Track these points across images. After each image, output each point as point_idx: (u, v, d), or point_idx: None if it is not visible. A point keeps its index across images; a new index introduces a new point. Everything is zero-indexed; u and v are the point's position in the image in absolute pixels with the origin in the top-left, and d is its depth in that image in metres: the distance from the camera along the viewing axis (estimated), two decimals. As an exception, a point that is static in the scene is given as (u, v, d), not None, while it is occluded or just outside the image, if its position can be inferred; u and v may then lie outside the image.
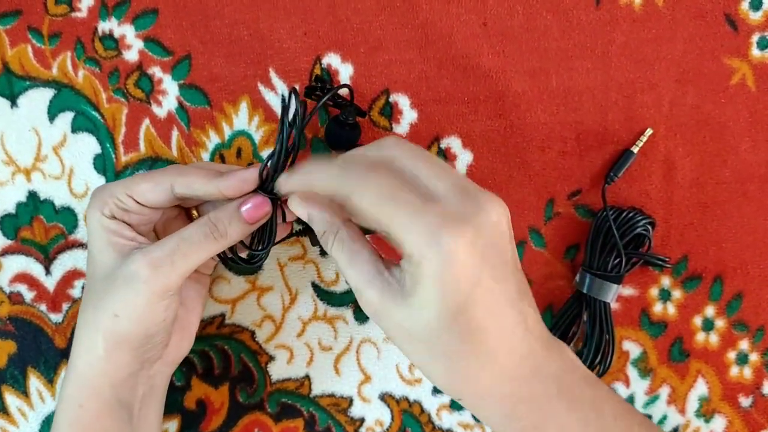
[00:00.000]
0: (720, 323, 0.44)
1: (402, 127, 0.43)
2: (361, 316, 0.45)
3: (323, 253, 0.44)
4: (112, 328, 0.35)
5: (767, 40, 0.42)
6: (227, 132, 0.44)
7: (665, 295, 0.44)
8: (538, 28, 0.42)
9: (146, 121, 0.44)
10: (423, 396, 0.45)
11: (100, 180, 0.44)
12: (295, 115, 0.34)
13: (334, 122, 0.41)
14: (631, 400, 0.44)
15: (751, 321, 0.44)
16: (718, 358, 0.44)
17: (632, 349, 0.44)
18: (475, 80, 0.43)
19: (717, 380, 0.44)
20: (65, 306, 0.45)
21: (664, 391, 0.44)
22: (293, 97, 0.34)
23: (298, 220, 0.41)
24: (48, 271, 0.45)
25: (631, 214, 0.41)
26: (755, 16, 0.42)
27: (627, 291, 0.44)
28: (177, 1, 0.43)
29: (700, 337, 0.44)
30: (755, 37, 0.42)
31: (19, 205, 0.44)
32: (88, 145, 0.44)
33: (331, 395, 0.45)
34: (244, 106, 0.43)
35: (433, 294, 0.30)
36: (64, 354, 0.45)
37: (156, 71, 0.43)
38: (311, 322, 0.45)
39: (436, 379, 0.33)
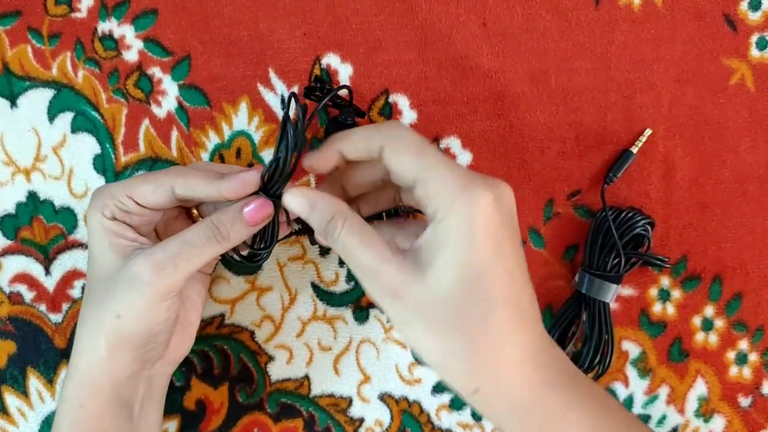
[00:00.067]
0: (719, 323, 0.44)
1: (401, 127, 0.43)
2: (360, 316, 0.45)
3: (323, 253, 0.44)
4: (115, 328, 0.35)
5: (766, 41, 0.42)
6: (227, 132, 0.44)
7: (664, 295, 0.44)
8: (537, 29, 0.42)
9: (146, 122, 0.44)
10: (422, 396, 0.45)
11: (99, 180, 0.44)
12: (297, 119, 0.34)
13: (333, 123, 0.41)
14: (630, 400, 0.44)
15: (750, 321, 0.44)
16: (717, 358, 0.44)
17: (631, 349, 0.44)
18: (474, 81, 0.43)
19: (716, 380, 0.44)
20: (65, 306, 0.45)
21: (664, 391, 0.44)
22: (294, 100, 0.34)
23: (297, 219, 0.41)
24: (48, 272, 0.45)
25: (630, 214, 0.41)
26: (754, 17, 0.42)
27: (626, 291, 0.44)
28: (177, 1, 0.43)
29: (700, 337, 0.44)
30: (754, 38, 0.42)
31: (19, 206, 0.44)
32: (87, 145, 0.44)
33: (331, 395, 0.45)
34: (243, 107, 0.43)
35: (456, 253, 0.30)
36: (64, 354, 0.45)
37: (156, 71, 0.43)
38: (311, 322, 0.45)
39: (453, 366, 0.32)
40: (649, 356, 0.44)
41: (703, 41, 0.42)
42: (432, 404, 0.45)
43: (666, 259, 0.42)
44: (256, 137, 0.43)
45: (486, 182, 0.31)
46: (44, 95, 0.44)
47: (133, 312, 0.34)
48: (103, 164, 0.44)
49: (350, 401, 0.45)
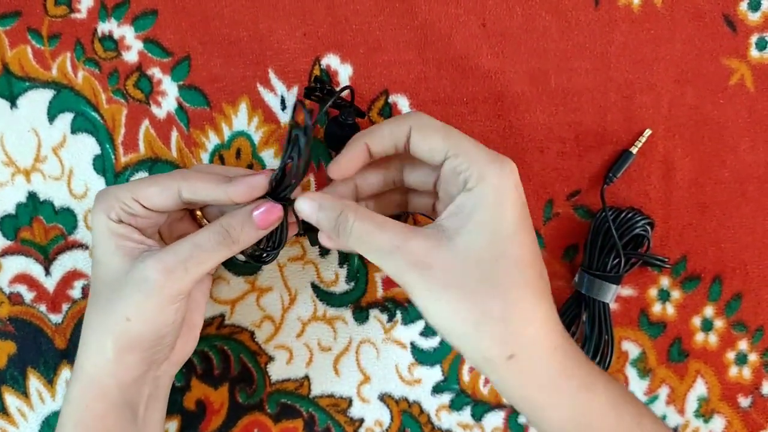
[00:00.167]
0: (719, 323, 0.44)
1: (401, 127, 0.43)
2: (360, 317, 0.45)
3: (323, 253, 0.44)
4: (124, 331, 0.35)
5: (766, 41, 0.42)
6: (227, 133, 0.44)
7: (664, 296, 0.44)
8: (537, 29, 0.42)
9: (146, 122, 0.44)
10: (422, 396, 0.45)
11: (99, 181, 0.44)
12: (306, 125, 0.34)
13: (333, 123, 0.41)
14: (630, 400, 0.44)
15: (750, 321, 0.44)
16: (717, 358, 0.44)
17: (631, 349, 0.44)
18: (474, 81, 0.43)
19: (716, 380, 0.44)
20: (65, 306, 0.45)
21: (663, 392, 0.44)
22: (302, 107, 0.34)
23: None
24: (48, 272, 0.45)
25: (630, 215, 0.41)
26: (754, 17, 0.42)
27: (626, 291, 0.44)
28: (176, 2, 0.43)
29: (699, 337, 0.44)
30: (754, 38, 0.42)
31: (19, 206, 0.44)
32: (87, 145, 0.44)
33: (331, 396, 0.45)
34: (243, 107, 0.43)
35: (489, 215, 0.31)
36: (64, 355, 0.45)
37: (155, 72, 0.43)
38: (310, 322, 0.45)
39: (490, 329, 0.31)
40: (648, 356, 0.44)
41: (703, 41, 0.42)
42: (432, 404, 0.45)
43: (666, 260, 0.42)
44: (256, 138, 0.43)
45: (506, 159, 0.34)
46: (44, 96, 0.44)
47: (142, 315, 0.34)
48: (103, 165, 0.44)
49: (350, 401, 0.45)
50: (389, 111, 0.43)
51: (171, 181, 0.35)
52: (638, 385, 0.44)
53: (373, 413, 0.45)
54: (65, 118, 0.44)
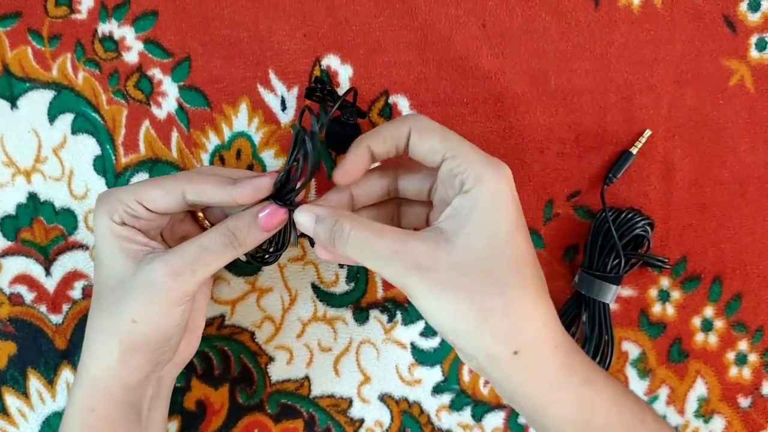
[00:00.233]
0: (719, 324, 0.44)
1: (401, 128, 0.43)
2: (360, 317, 0.45)
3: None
4: (130, 333, 0.35)
5: (766, 42, 0.42)
6: (227, 133, 0.44)
7: (664, 296, 0.44)
8: (537, 30, 0.42)
9: (146, 123, 0.44)
10: (422, 397, 0.45)
11: (100, 181, 0.44)
12: (312, 130, 0.34)
13: (334, 123, 0.41)
14: (630, 400, 0.44)
15: (750, 321, 0.44)
16: (717, 358, 0.44)
17: (631, 349, 0.44)
18: (474, 82, 0.43)
19: (716, 381, 0.44)
20: (65, 307, 0.45)
21: (663, 392, 0.44)
22: (309, 112, 0.35)
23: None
24: (48, 273, 0.45)
25: (630, 215, 0.41)
26: (754, 18, 0.42)
27: (626, 292, 0.44)
28: (177, 3, 0.43)
29: (699, 337, 0.44)
30: (754, 39, 0.42)
31: (19, 207, 0.44)
32: (88, 146, 0.44)
33: (331, 396, 0.45)
34: (243, 108, 0.43)
35: (487, 215, 0.32)
36: (65, 355, 0.45)
37: (156, 73, 0.43)
38: (311, 323, 0.45)
39: (494, 326, 0.31)
40: (648, 357, 0.44)
41: (703, 42, 0.42)
42: (432, 405, 0.45)
43: (666, 260, 0.42)
44: (256, 138, 0.44)
45: (500, 163, 0.34)
46: (44, 96, 0.44)
47: (148, 317, 0.34)
48: (103, 165, 0.44)
49: (350, 402, 0.45)
50: (389, 112, 0.43)
51: (175, 184, 0.35)
52: (638, 386, 0.44)
53: (373, 413, 0.45)
54: (66, 119, 0.44)
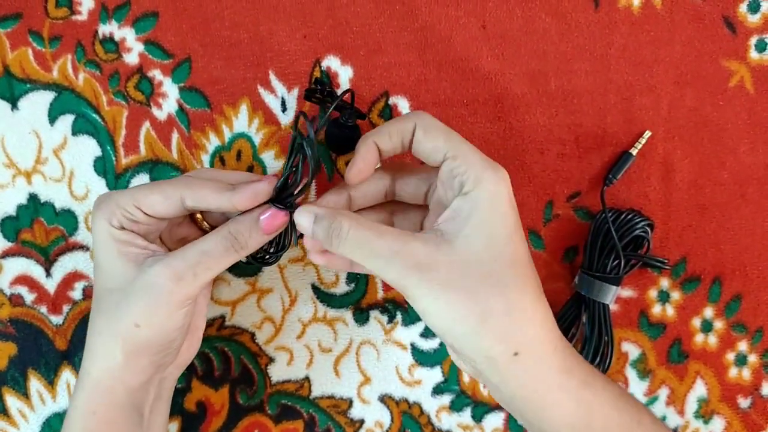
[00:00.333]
0: (719, 324, 0.44)
1: (401, 129, 0.43)
2: (360, 318, 0.45)
3: (323, 255, 0.44)
4: (132, 336, 0.35)
5: (765, 43, 0.42)
6: (227, 134, 0.44)
7: (664, 297, 0.44)
8: (537, 31, 0.42)
9: (146, 124, 0.44)
10: (423, 397, 0.45)
11: (100, 182, 0.44)
12: (309, 136, 0.34)
13: (334, 125, 0.41)
14: (630, 401, 0.44)
15: (749, 322, 0.44)
16: (716, 359, 0.44)
17: (631, 350, 0.44)
18: (474, 83, 0.43)
19: (716, 381, 0.44)
20: (66, 308, 0.45)
21: (663, 393, 0.44)
22: (304, 118, 0.35)
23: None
24: (48, 273, 0.45)
25: (629, 216, 0.41)
26: (753, 19, 0.42)
27: (626, 292, 0.44)
28: (177, 4, 0.43)
29: (699, 338, 0.44)
30: (753, 40, 0.42)
31: (20, 208, 0.44)
32: (88, 147, 0.44)
33: (331, 397, 0.45)
34: (243, 109, 0.43)
35: (486, 216, 0.32)
36: (65, 356, 0.45)
37: (156, 74, 0.43)
38: (311, 323, 0.45)
39: (494, 327, 0.31)
40: (648, 357, 0.44)
41: (703, 43, 0.42)
42: (432, 405, 0.45)
43: (665, 261, 0.42)
44: (257, 139, 0.44)
45: (499, 164, 0.34)
46: (45, 98, 0.44)
47: (151, 320, 0.35)
48: (103, 166, 0.44)
49: (350, 403, 0.45)
50: (389, 113, 0.43)
51: (173, 189, 0.35)
52: (638, 386, 0.44)
53: (373, 414, 0.45)
54: (66, 120, 0.44)
